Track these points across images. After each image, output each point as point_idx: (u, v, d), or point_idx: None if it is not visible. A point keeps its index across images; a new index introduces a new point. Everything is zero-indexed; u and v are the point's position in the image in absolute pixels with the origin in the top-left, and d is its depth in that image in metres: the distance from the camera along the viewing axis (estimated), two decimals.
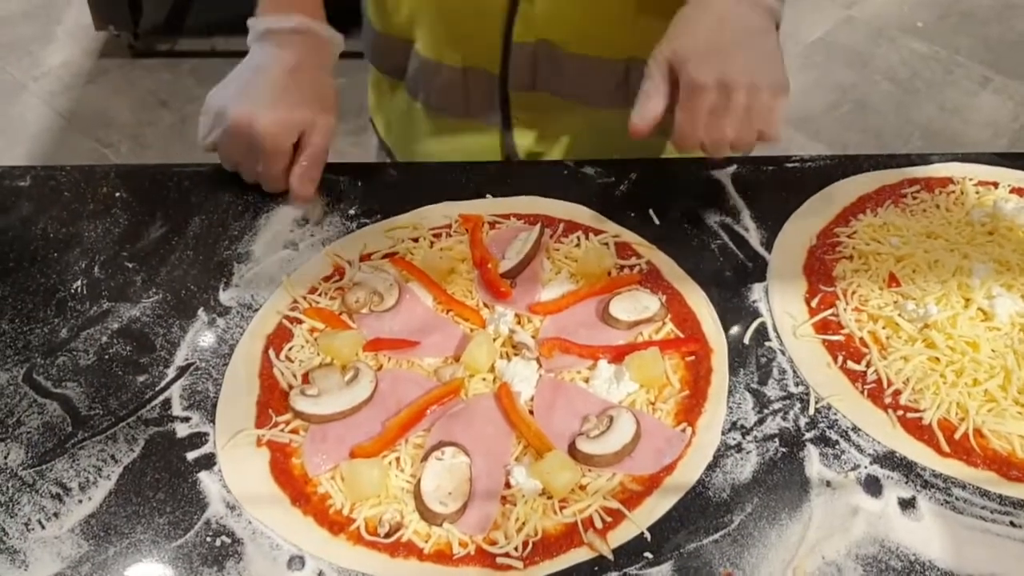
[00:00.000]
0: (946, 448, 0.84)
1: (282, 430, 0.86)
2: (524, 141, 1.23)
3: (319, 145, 1.06)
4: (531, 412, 0.87)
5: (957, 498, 0.81)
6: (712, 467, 0.83)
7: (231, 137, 1.04)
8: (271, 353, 0.92)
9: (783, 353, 0.93)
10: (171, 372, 0.92)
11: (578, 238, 1.03)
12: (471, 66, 1.18)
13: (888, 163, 1.13)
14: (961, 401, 0.87)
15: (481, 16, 1.14)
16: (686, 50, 0.96)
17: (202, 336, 0.95)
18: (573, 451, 0.83)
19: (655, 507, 0.80)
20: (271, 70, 1.05)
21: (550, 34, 1.13)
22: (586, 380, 0.90)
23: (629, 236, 1.04)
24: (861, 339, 0.93)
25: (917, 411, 0.87)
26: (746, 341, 0.94)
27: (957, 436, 0.85)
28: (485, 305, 0.97)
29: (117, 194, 1.11)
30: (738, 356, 0.92)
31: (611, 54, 1.15)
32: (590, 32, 1.13)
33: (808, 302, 0.97)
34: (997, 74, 3.23)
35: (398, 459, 0.83)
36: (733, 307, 0.97)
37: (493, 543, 0.78)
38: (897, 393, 0.88)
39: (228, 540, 0.79)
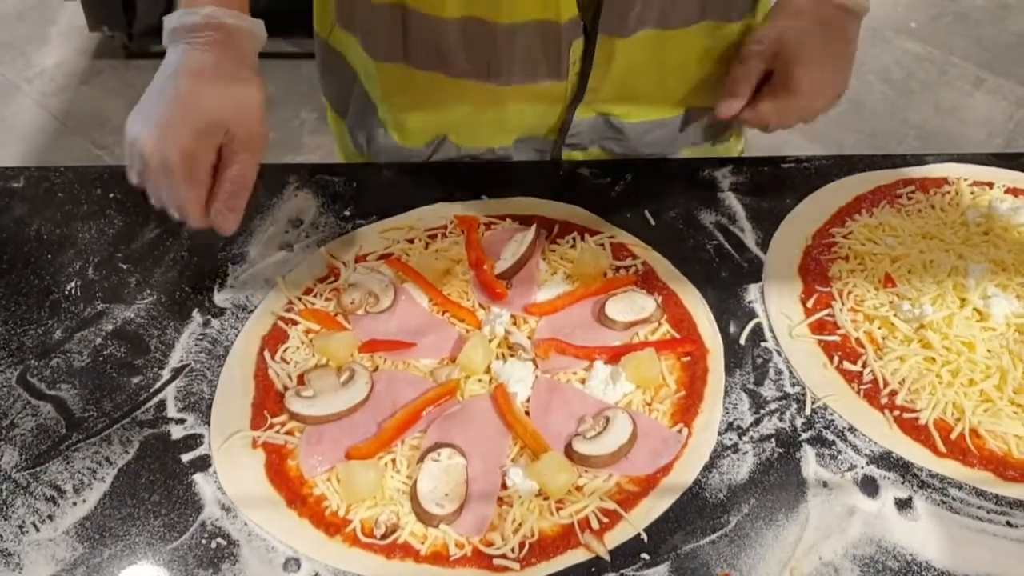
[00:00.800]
0: (942, 448, 0.84)
1: (277, 432, 0.86)
2: None
3: (243, 165, 0.88)
4: (527, 413, 0.87)
5: (953, 498, 0.81)
6: (708, 468, 0.83)
7: (144, 167, 0.87)
8: (266, 354, 0.92)
9: (779, 354, 0.93)
10: (166, 374, 0.91)
11: (574, 239, 1.03)
12: (522, 138, 1.15)
13: (883, 163, 1.14)
14: (957, 401, 0.87)
15: (543, 106, 1.10)
16: (791, 52, 1.00)
17: (197, 338, 0.95)
18: (569, 452, 0.83)
19: (652, 508, 0.80)
20: (179, 78, 0.87)
21: (612, 109, 1.12)
22: (582, 381, 0.90)
23: (625, 237, 1.04)
24: (857, 339, 0.93)
25: (913, 411, 0.87)
26: (742, 342, 0.94)
27: (953, 436, 0.85)
28: (481, 306, 0.97)
29: (111, 195, 1.11)
30: (734, 357, 0.92)
31: (670, 113, 1.15)
32: (652, 99, 1.12)
33: (804, 302, 0.97)
34: (991, 74, 3.23)
35: (394, 460, 0.83)
36: (729, 308, 0.97)
37: (490, 544, 0.77)
38: (893, 393, 0.88)
39: (224, 542, 0.78)
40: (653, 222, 1.06)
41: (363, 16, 1.06)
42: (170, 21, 0.89)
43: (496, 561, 0.76)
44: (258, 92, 0.91)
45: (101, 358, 0.93)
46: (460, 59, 1.03)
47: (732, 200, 1.09)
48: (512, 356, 0.91)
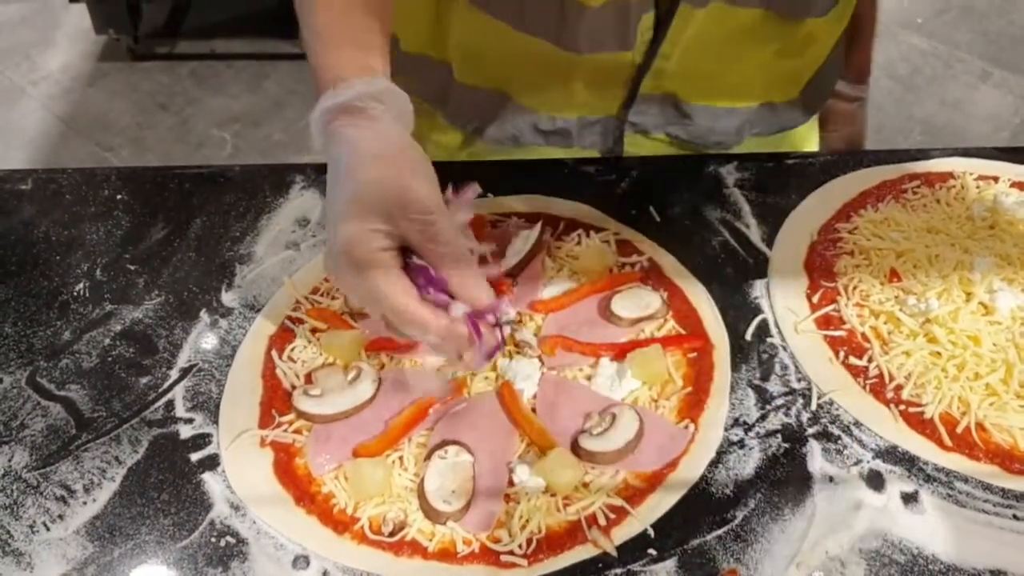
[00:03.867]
0: (948, 442, 0.84)
1: (285, 430, 0.86)
2: None
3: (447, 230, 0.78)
4: (533, 410, 0.87)
5: (960, 492, 0.81)
6: (715, 463, 0.83)
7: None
8: (274, 354, 0.93)
9: (785, 349, 0.93)
10: (174, 374, 0.92)
11: (579, 236, 1.03)
12: (586, 115, 1.14)
13: (888, 158, 1.13)
14: (963, 395, 0.87)
15: (609, 76, 1.09)
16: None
17: (204, 337, 0.95)
18: (576, 449, 0.83)
19: (658, 504, 0.80)
20: (351, 172, 0.78)
21: (680, 88, 1.11)
22: (588, 378, 0.90)
23: (630, 234, 1.04)
24: (863, 334, 0.93)
25: (919, 406, 0.87)
26: (748, 337, 0.94)
27: (959, 430, 0.85)
28: None
29: (118, 196, 1.11)
30: (740, 352, 0.92)
31: (742, 103, 1.14)
32: (724, 83, 1.12)
33: (809, 298, 0.97)
34: (997, 68, 3.23)
35: (401, 458, 0.84)
36: (735, 303, 0.97)
37: (497, 541, 0.78)
38: (899, 388, 0.88)
39: (233, 540, 0.79)
40: (658, 218, 1.06)
41: None
42: (330, 101, 0.80)
43: (504, 557, 0.77)
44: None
45: (110, 359, 0.94)
46: (533, 13, 1.03)
47: (737, 196, 1.09)
48: (518, 353, 0.92)
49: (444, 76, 1.15)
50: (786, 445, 0.85)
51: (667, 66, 1.06)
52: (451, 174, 1.12)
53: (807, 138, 1.27)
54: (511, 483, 0.81)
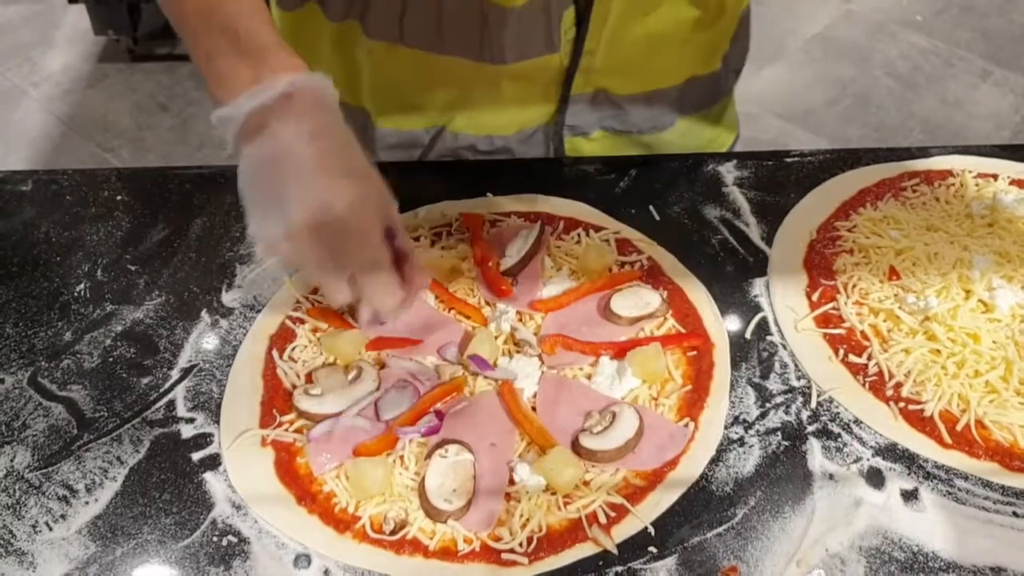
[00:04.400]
0: (948, 440, 0.84)
1: (286, 430, 0.86)
2: None
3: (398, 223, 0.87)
4: (534, 409, 0.87)
5: (959, 489, 0.82)
6: (715, 461, 0.83)
7: (309, 238, 0.79)
8: (274, 353, 0.93)
9: (784, 347, 0.93)
10: (175, 374, 0.92)
11: (579, 235, 1.04)
12: (523, 128, 1.15)
13: (887, 156, 1.14)
14: (962, 393, 0.87)
15: (538, 84, 1.09)
16: None
17: (205, 337, 0.95)
18: (576, 447, 0.83)
19: (659, 502, 0.80)
20: (291, 151, 0.78)
21: (609, 81, 1.11)
22: (588, 376, 0.90)
23: (629, 232, 1.04)
24: (862, 332, 0.93)
25: (919, 403, 0.87)
26: (747, 336, 0.94)
27: (959, 427, 0.85)
28: (487, 303, 0.97)
29: (119, 197, 1.11)
30: (740, 351, 0.92)
31: (669, 83, 1.15)
32: (649, 68, 1.12)
33: (809, 296, 0.97)
34: (997, 67, 3.23)
35: (402, 457, 0.84)
36: (734, 302, 0.97)
37: (498, 539, 0.78)
38: (899, 385, 0.88)
39: (234, 539, 0.79)
40: (658, 217, 1.07)
41: None
42: (238, 109, 0.78)
43: (505, 556, 0.77)
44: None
45: (111, 359, 0.94)
46: (452, 31, 1.02)
47: (737, 195, 1.09)
48: (518, 352, 0.92)
49: (363, 121, 1.15)
50: (786, 443, 0.85)
51: (594, 63, 1.07)
52: (456, 172, 1.13)
53: (729, 110, 1.28)
54: (512, 482, 0.81)
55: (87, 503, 0.82)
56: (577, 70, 1.08)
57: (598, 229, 1.04)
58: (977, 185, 1.09)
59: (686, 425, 0.85)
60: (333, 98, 0.82)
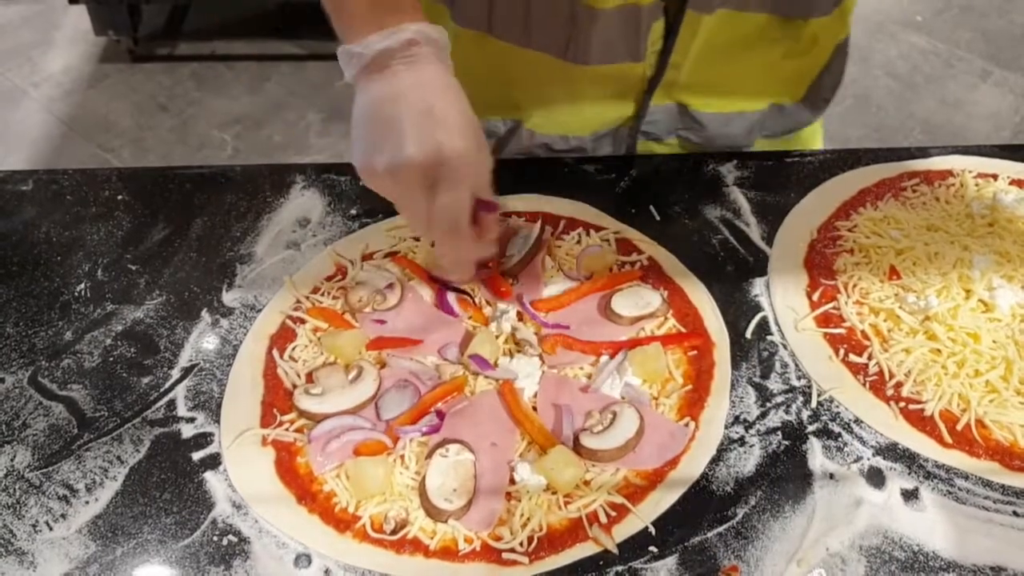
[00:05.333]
0: (948, 439, 0.84)
1: (287, 429, 0.86)
2: None
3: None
4: (534, 408, 0.87)
5: (960, 488, 0.82)
6: (715, 461, 0.83)
7: (412, 175, 0.81)
8: (275, 353, 0.93)
9: (785, 347, 0.93)
10: (175, 373, 0.92)
11: (579, 235, 1.04)
12: (598, 130, 1.15)
13: (888, 156, 1.14)
14: (963, 392, 0.87)
15: (619, 89, 1.09)
16: None
17: (206, 337, 0.95)
18: (577, 447, 0.83)
19: (659, 501, 0.80)
20: (410, 92, 0.82)
21: (691, 96, 1.11)
22: (589, 376, 0.90)
23: (630, 232, 1.04)
24: (862, 332, 0.93)
25: (919, 403, 0.87)
26: (748, 335, 0.94)
27: (959, 427, 0.85)
28: (487, 303, 0.97)
29: (119, 197, 1.11)
30: (740, 350, 0.92)
31: (751, 107, 1.15)
32: (733, 88, 1.12)
33: (809, 296, 0.97)
34: (997, 67, 3.22)
35: (403, 457, 0.84)
36: (735, 302, 0.97)
37: (498, 539, 0.78)
38: (899, 385, 0.88)
39: (235, 539, 0.79)
40: (658, 217, 1.07)
41: None
42: (366, 48, 0.82)
43: (505, 555, 0.77)
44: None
45: (111, 358, 0.94)
46: (540, 27, 1.03)
47: (737, 195, 1.09)
48: (519, 352, 0.92)
49: None
50: (786, 442, 0.85)
51: (678, 76, 1.07)
52: None
53: (813, 136, 1.27)
54: (512, 481, 0.81)
55: (87, 502, 0.82)
56: (660, 82, 1.07)
57: (599, 229, 1.04)
58: (977, 185, 1.09)
59: (687, 425, 0.85)
60: (448, 52, 0.86)
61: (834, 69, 1.19)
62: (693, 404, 0.87)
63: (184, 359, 0.94)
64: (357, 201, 1.09)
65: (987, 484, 0.82)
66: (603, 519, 0.79)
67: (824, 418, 0.87)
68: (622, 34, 1.01)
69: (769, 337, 0.94)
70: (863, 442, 0.85)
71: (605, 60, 1.04)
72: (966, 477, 0.82)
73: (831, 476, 0.82)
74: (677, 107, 1.12)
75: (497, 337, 0.92)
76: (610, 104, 1.11)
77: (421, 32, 0.82)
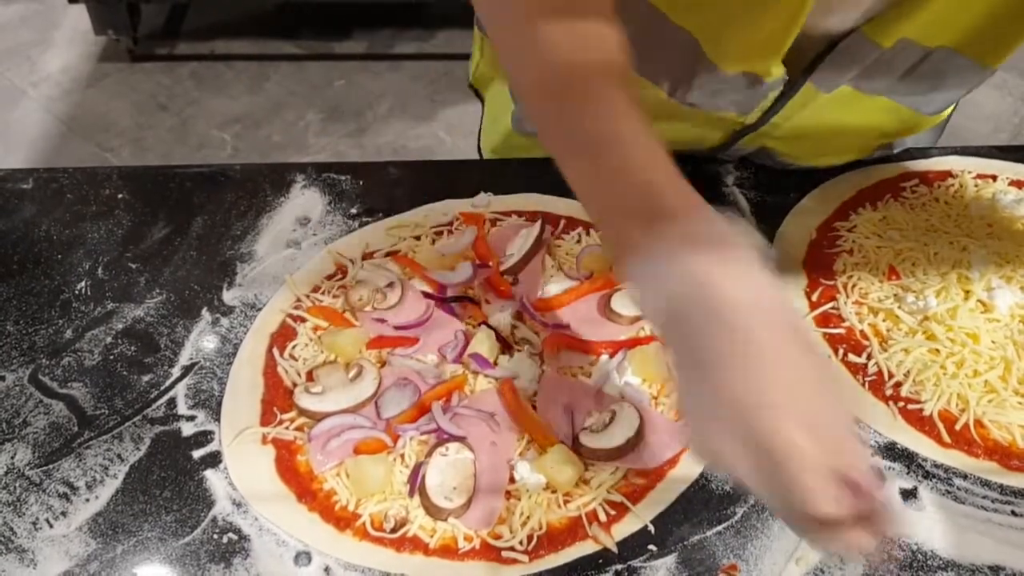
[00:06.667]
0: (947, 439, 0.85)
1: (287, 428, 0.87)
2: None
3: None
4: (534, 407, 0.88)
5: (958, 488, 0.82)
6: None
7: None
8: (275, 351, 0.93)
9: None
10: (176, 371, 0.92)
11: (579, 234, 1.04)
12: (678, 149, 1.06)
13: (887, 157, 1.14)
14: (962, 392, 0.87)
15: (714, 127, 1.04)
16: None
17: (206, 335, 0.96)
18: (576, 446, 0.83)
19: (658, 500, 0.80)
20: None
21: (779, 146, 1.08)
22: (588, 375, 0.90)
23: None
24: (862, 332, 0.93)
25: (918, 403, 0.87)
26: None
27: (958, 427, 0.85)
28: (487, 302, 0.97)
29: (120, 195, 1.11)
30: None
31: (830, 163, 1.12)
32: (820, 151, 1.09)
33: (808, 296, 0.97)
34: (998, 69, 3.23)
35: (403, 455, 0.84)
36: None
37: (498, 537, 0.78)
38: (898, 385, 0.89)
39: (235, 537, 0.79)
40: None
41: None
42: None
43: (505, 553, 0.77)
44: None
45: (112, 356, 0.94)
46: (654, 66, 0.95)
47: (737, 195, 1.09)
48: (519, 351, 0.92)
49: None
50: None
51: (774, 131, 1.03)
52: (458, 172, 1.13)
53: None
54: (512, 480, 0.82)
55: (88, 500, 0.82)
56: (755, 131, 1.04)
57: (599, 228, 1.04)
58: (976, 186, 1.09)
59: (686, 424, 0.85)
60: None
61: (926, 135, 1.15)
62: None
63: (184, 357, 0.94)
64: (357, 200, 1.10)
65: (986, 484, 0.82)
66: (602, 518, 0.79)
67: None
68: (737, 94, 0.96)
69: None
70: (862, 442, 0.85)
71: (710, 108, 1.00)
72: (965, 477, 0.83)
73: None
74: (763, 149, 1.10)
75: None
76: (697, 131, 1.06)
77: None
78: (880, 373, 0.90)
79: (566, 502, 0.80)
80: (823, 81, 0.94)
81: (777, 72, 0.92)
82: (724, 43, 0.89)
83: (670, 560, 0.77)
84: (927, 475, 0.83)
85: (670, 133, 1.01)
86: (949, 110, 1.12)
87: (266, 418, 0.88)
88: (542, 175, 1.12)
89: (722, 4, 0.86)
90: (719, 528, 0.79)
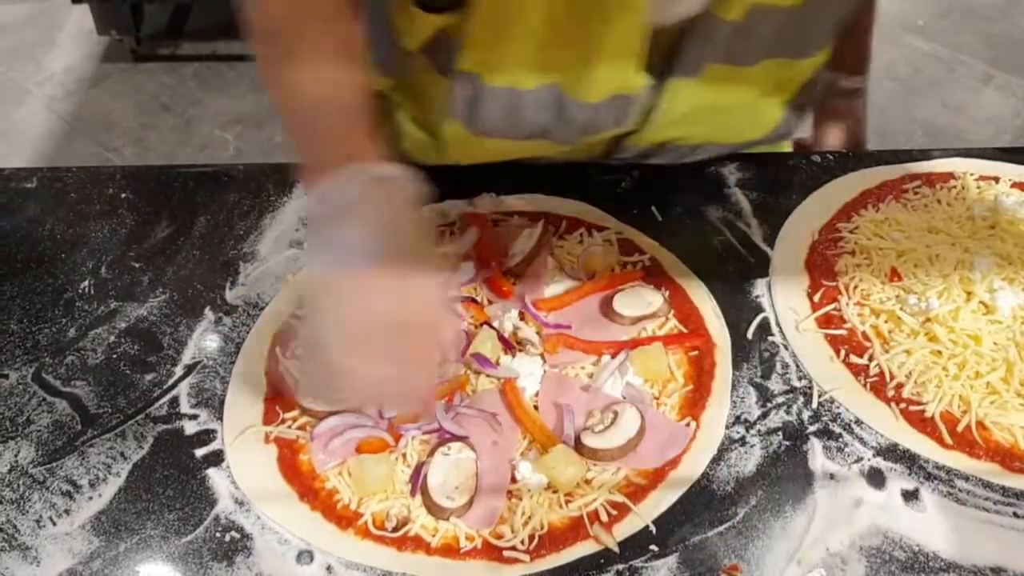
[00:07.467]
0: (949, 440, 0.85)
1: (289, 427, 0.87)
2: None
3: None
4: (536, 407, 0.88)
5: (960, 490, 0.82)
6: (716, 461, 0.84)
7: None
8: (278, 351, 0.93)
9: (786, 347, 0.93)
10: (179, 370, 0.93)
11: (581, 235, 1.04)
12: (570, 157, 1.11)
13: (890, 159, 1.14)
14: (963, 394, 0.87)
15: (596, 142, 1.06)
16: None
17: (209, 335, 0.96)
18: (578, 446, 0.83)
19: (660, 500, 0.81)
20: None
21: (668, 134, 1.08)
22: (590, 375, 0.90)
23: (632, 233, 1.04)
24: (863, 333, 0.93)
25: (920, 404, 0.87)
26: (749, 336, 0.94)
27: (960, 428, 0.85)
28: (489, 302, 0.97)
29: (123, 195, 1.12)
30: (741, 351, 0.93)
31: (727, 141, 1.12)
32: (712, 130, 1.09)
33: (810, 297, 0.97)
34: (999, 71, 3.22)
35: (404, 455, 0.84)
36: (736, 302, 0.97)
37: (500, 537, 0.78)
38: (900, 386, 0.89)
39: (237, 535, 0.79)
40: (660, 218, 1.07)
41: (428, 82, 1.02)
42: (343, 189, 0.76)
43: (506, 553, 0.77)
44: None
45: (115, 355, 0.94)
46: (528, 124, 1.00)
47: (739, 196, 1.09)
48: (520, 351, 0.92)
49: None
50: (787, 443, 0.85)
51: (658, 128, 1.04)
52: (459, 172, 1.13)
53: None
54: (514, 480, 0.82)
55: (91, 498, 0.82)
56: (639, 133, 1.05)
57: (601, 229, 1.04)
58: (979, 187, 1.09)
59: (688, 424, 0.86)
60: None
61: (817, 84, 1.13)
62: (694, 404, 0.87)
63: (187, 356, 0.94)
64: None
65: (987, 485, 0.82)
66: (604, 518, 0.79)
67: (825, 419, 0.87)
68: (609, 114, 0.98)
69: (770, 338, 0.94)
70: (864, 443, 0.85)
71: (589, 135, 1.02)
72: (966, 478, 0.83)
73: (832, 476, 0.83)
74: (662, 145, 1.09)
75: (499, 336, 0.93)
76: (583, 148, 1.07)
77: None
78: (882, 374, 0.90)
79: (567, 502, 0.80)
80: (686, 69, 0.95)
81: (639, 82, 0.94)
82: (585, 77, 0.92)
83: (671, 560, 0.77)
84: (929, 476, 0.83)
85: (552, 150, 1.05)
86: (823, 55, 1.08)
87: (268, 417, 0.88)
88: (544, 175, 1.12)
89: (567, 35, 0.89)
90: (720, 528, 0.79)
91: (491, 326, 0.93)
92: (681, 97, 0.98)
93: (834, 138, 1.28)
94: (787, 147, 1.26)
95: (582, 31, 0.89)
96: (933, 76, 3.24)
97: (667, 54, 0.94)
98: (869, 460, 0.84)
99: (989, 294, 0.94)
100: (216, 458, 0.85)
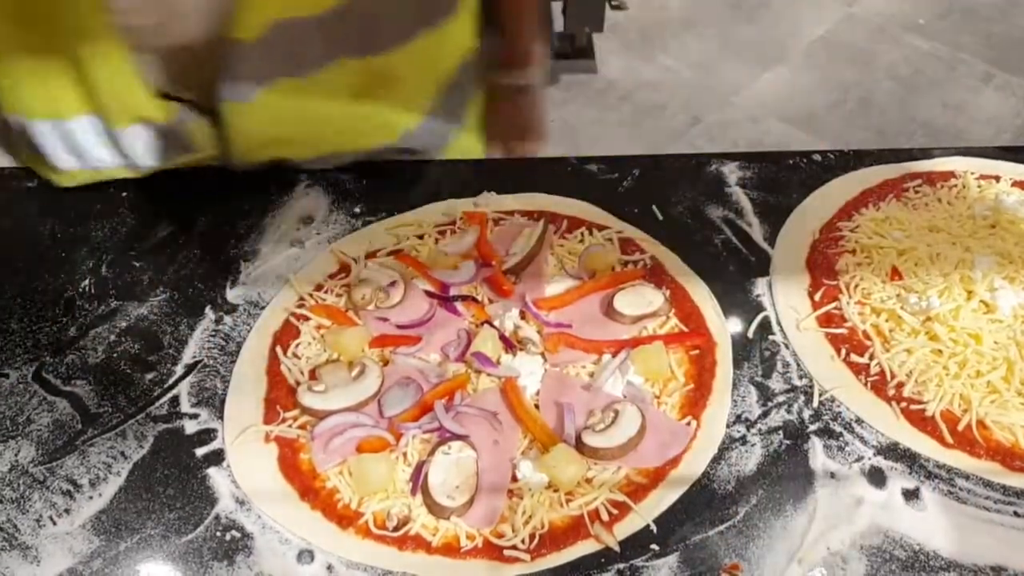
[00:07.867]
0: (949, 439, 0.85)
1: (290, 426, 0.87)
2: None
3: None
4: (536, 407, 0.88)
5: (960, 488, 0.82)
6: (717, 460, 0.84)
7: None
8: (278, 350, 0.93)
9: (787, 346, 0.93)
10: (179, 369, 0.93)
11: (582, 234, 1.04)
12: None
13: (890, 158, 1.14)
14: (964, 393, 0.87)
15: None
16: None
17: (209, 334, 0.96)
18: (579, 445, 0.83)
19: (661, 499, 0.81)
20: None
21: (273, 152, 1.09)
22: (591, 374, 0.90)
23: (633, 232, 1.04)
24: (864, 332, 0.93)
25: (920, 403, 0.87)
26: (750, 335, 0.94)
27: (960, 427, 0.85)
28: (490, 301, 0.97)
29: (123, 194, 1.12)
30: (742, 350, 0.93)
31: (343, 150, 1.12)
32: (306, 142, 1.09)
33: (811, 296, 0.97)
34: (999, 70, 3.22)
35: (405, 454, 0.84)
36: (737, 301, 0.97)
37: (500, 536, 0.78)
38: (900, 385, 0.89)
39: (238, 535, 0.79)
40: (661, 217, 1.07)
41: None
42: None
43: (507, 552, 0.77)
44: None
45: (115, 354, 0.94)
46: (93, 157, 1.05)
47: (739, 195, 1.09)
48: (521, 350, 0.92)
49: None
50: (788, 442, 0.85)
51: (246, 152, 1.03)
52: (460, 171, 1.13)
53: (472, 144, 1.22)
54: (514, 479, 0.82)
55: (91, 498, 0.82)
56: (224, 158, 1.05)
57: (601, 228, 1.04)
58: (979, 186, 1.09)
59: (688, 423, 0.86)
60: None
61: (462, 79, 1.12)
62: (695, 403, 0.87)
63: (188, 355, 0.94)
64: (361, 200, 1.10)
65: (988, 484, 0.82)
66: (605, 517, 0.79)
67: (825, 417, 0.87)
68: (154, 146, 1.01)
69: (771, 337, 0.94)
70: (864, 442, 0.85)
71: (166, 161, 1.05)
72: (967, 477, 0.83)
73: (832, 475, 0.83)
74: (272, 161, 1.08)
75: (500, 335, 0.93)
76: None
77: None
78: (882, 373, 0.90)
79: (568, 501, 0.80)
80: (233, 94, 0.95)
81: (161, 115, 0.97)
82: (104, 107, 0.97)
83: (672, 559, 0.77)
84: (929, 475, 0.83)
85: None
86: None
87: (269, 416, 0.88)
88: (545, 174, 1.12)
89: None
90: (721, 527, 0.79)
91: (492, 325, 0.93)
92: (251, 116, 0.98)
93: (507, 136, 1.25)
94: (478, 153, 1.23)
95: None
96: (933, 76, 3.24)
97: (207, 81, 0.95)
98: (870, 459, 0.84)
99: (990, 293, 0.94)
100: (217, 457, 0.85)
